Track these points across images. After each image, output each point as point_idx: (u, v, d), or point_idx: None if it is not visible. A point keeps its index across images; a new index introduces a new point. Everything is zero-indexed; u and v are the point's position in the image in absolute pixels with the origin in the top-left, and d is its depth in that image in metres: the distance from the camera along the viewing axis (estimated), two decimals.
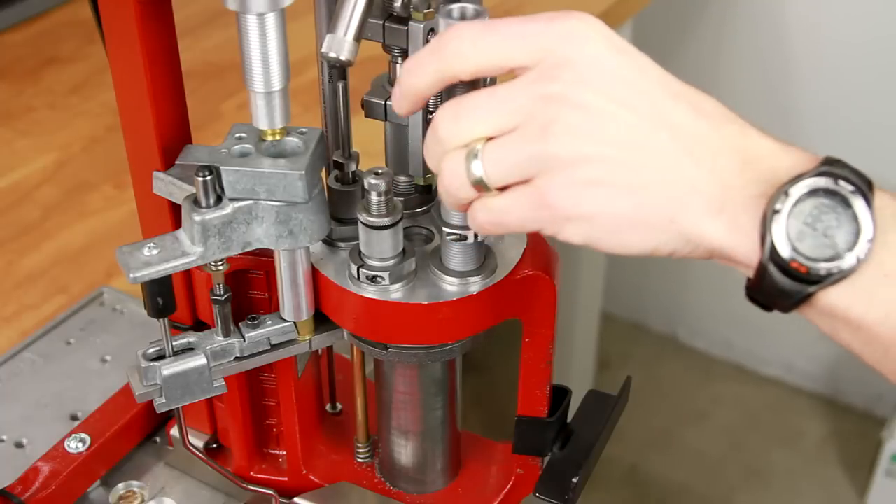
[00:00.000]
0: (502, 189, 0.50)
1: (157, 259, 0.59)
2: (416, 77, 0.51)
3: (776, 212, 0.46)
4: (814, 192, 0.46)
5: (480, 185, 0.50)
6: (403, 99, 0.53)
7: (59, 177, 1.13)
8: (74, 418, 0.83)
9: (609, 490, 2.01)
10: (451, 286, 0.61)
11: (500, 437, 0.76)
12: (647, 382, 2.21)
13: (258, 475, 0.75)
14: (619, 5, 1.43)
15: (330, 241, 0.64)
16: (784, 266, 0.47)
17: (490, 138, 0.50)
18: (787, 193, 0.46)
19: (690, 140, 0.48)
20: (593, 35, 0.49)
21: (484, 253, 0.61)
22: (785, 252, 0.46)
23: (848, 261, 0.46)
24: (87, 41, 1.34)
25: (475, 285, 0.61)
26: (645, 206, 0.48)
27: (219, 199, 0.59)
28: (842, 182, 0.46)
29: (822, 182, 0.46)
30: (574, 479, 0.66)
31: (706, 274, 2.14)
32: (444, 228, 0.59)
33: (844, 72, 1.86)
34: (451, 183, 0.51)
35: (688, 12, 1.97)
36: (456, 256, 0.61)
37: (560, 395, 0.69)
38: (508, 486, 0.72)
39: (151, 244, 0.59)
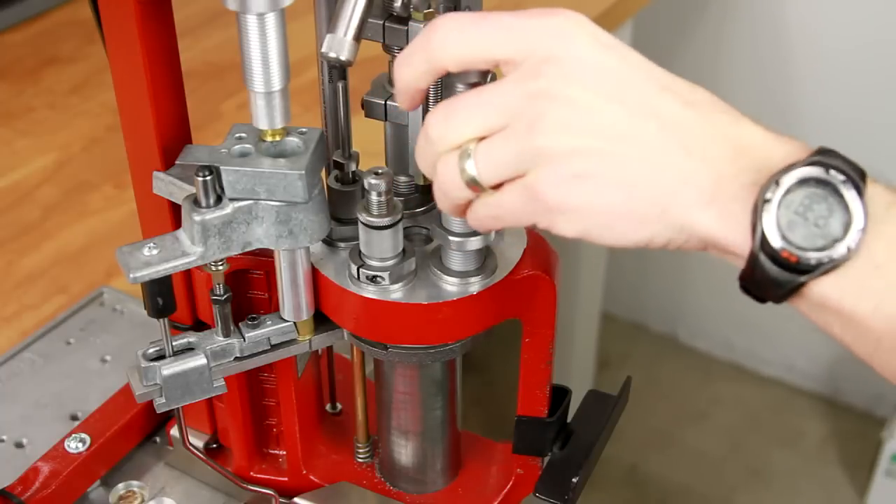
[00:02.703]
0: (497, 187, 0.51)
1: (157, 259, 0.59)
2: (406, 69, 0.52)
3: (766, 201, 0.46)
4: (804, 182, 0.46)
5: (475, 185, 0.51)
6: (400, 93, 0.54)
7: (59, 177, 1.13)
8: (74, 418, 0.83)
9: (609, 490, 2.01)
10: (451, 286, 0.61)
11: (500, 437, 0.76)
12: (647, 382, 2.21)
13: (258, 475, 0.75)
14: (619, 5, 1.43)
15: (330, 241, 0.64)
16: (775, 255, 0.47)
17: (482, 138, 0.50)
18: (777, 183, 0.46)
19: (680, 130, 0.48)
20: (579, 32, 0.49)
21: (484, 253, 0.62)
22: (775, 241, 0.46)
23: (838, 250, 0.46)
24: (87, 41, 1.34)
25: (475, 285, 0.61)
26: (635, 198, 0.48)
27: (219, 199, 0.59)
28: (833, 172, 0.46)
29: (814, 171, 0.46)
30: (574, 479, 0.66)
31: (706, 274, 2.14)
32: (445, 235, 0.60)
33: (843, 72, 1.86)
34: (447, 185, 0.52)
35: (688, 12, 1.97)
36: (456, 257, 0.61)
37: (560, 395, 0.69)
38: (508, 486, 0.72)
39: (151, 244, 0.59)
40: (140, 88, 0.62)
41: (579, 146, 0.48)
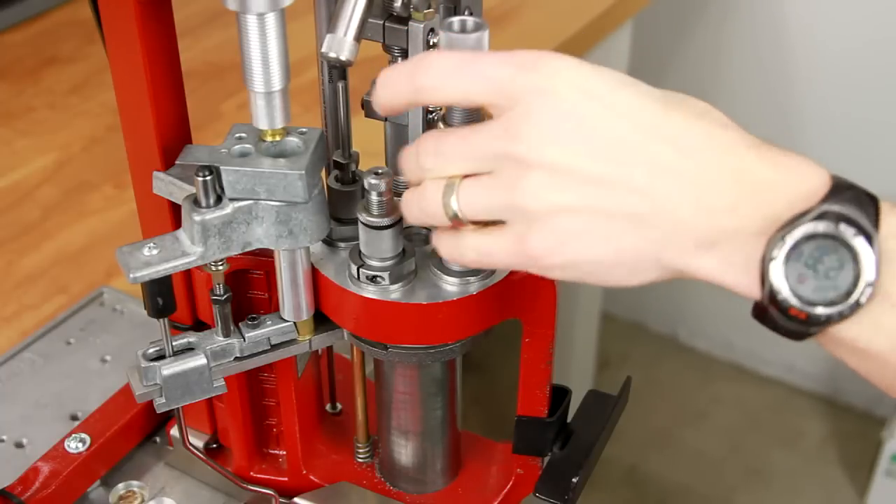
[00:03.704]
0: (479, 224, 0.51)
1: (157, 259, 0.59)
2: (389, 92, 0.52)
3: (772, 259, 0.45)
4: (812, 237, 0.45)
5: (456, 220, 0.51)
6: (378, 105, 0.53)
7: (59, 177, 1.13)
8: (74, 418, 0.83)
9: (609, 490, 2.01)
10: (450, 286, 0.61)
11: (500, 437, 0.76)
12: (647, 382, 2.21)
13: (258, 475, 0.75)
14: (619, 5, 1.42)
15: (330, 241, 0.64)
16: (784, 311, 0.46)
17: (467, 177, 0.50)
18: (783, 240, 0.45)
19: (672, 180, 0.47)
20: (562, 83, 0.48)
21: None
22: (784, 297, 0.46)
23: (847, 304, 0.45)
24: (87, 41, 1.34)
25: (475, 285, 0.61)
26: (625, 250, 0.48)
27: (219, 199, 0.59)
28: (842, 226, 0.45)
29: (821, 227, 0.45)
30: (574, 479, 0.66)
31: None
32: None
33: (843, 72, 1.86)
34: (428, 210, 0.52)
35: (688, 13, 1.97)
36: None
37: (560, 395, 0.69)
38: (508, 486, 0.72)
39: (151, 244, 0.59)
40: (140, 88, 0.62)
41: (562, 204, 0.48)
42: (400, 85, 0.51)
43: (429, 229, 0.65)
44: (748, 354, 2.24)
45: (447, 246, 0.54)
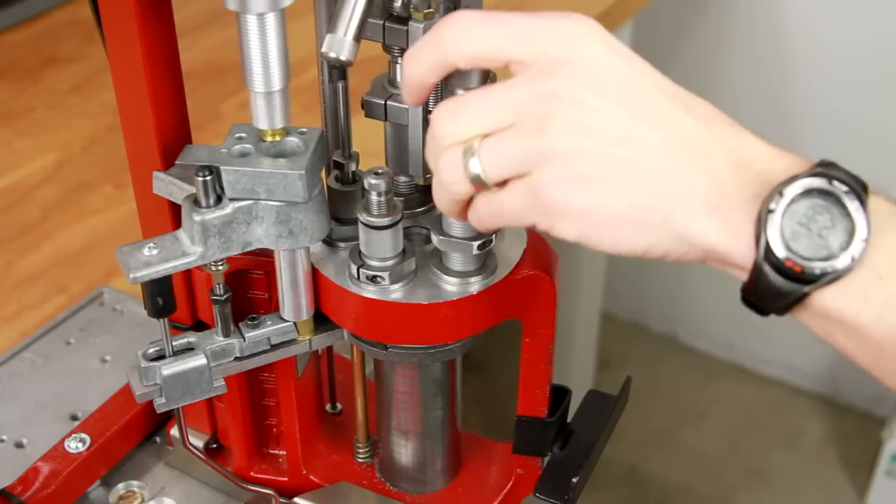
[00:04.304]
0: (499, 185, 0.51)
1: (157, 259, 0.59)
2: (416, 64, 0.52)
3: (770, 212, 0.46)
4: (808, 193, 0.47)
5: (478, 182, 0.51)
6: (407, 88, 0.53)
7: (59, 177, 1.13)
8: (74, 418, 0.83)
9: (609, 490, 2.01)
10: (451, 286, 0.61)
11: (500, 437, 0.76)
12: (647, 382, 2.21)
13: (258, 475, 0.75)
14: (619, 5, 1.43)
15: (330, 241, 0.64)
16: (779, 265, 0.47)
17: (487, 136, 0.50)
18: (781, 193, 0.46)
19: (686, 141, 0.48)
20: (591, 36, 0.49)
21: (484, 253, 0.61)
22: (780, 251, 0.46)
23: (843, 260, 0.46)
24: (87, 41, 1.34)
25: (475, 285, 0.61)
26: (639, 204, 0.48)
27: (219, 199, 0.59)
28: (836, 183, 0.47)
29: (817, 182, 0.47)
30: (574, 479, 0.66)
31: (706, 274, 2.14)
32: (441, 238, 0.60)
33: (843, 73, 1.86)
34: (449, 179, 0.51)
35: (688, 12, 1.97)
36: (456, 257, 0.61)
37: (560, 395, 0.69)
38: (508, 486, 0.72)
39: (151, 244, 0.59)
40: (140, 88, 0.62)
41: (586, 148, 0.48)
42: (425, 50, 0.51)
43: (429, 229, 0.65)
44: (748, 354, 2.24)
45: (464, 214, 0.53)
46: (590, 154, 0.48)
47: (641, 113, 0.48)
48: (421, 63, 0.52)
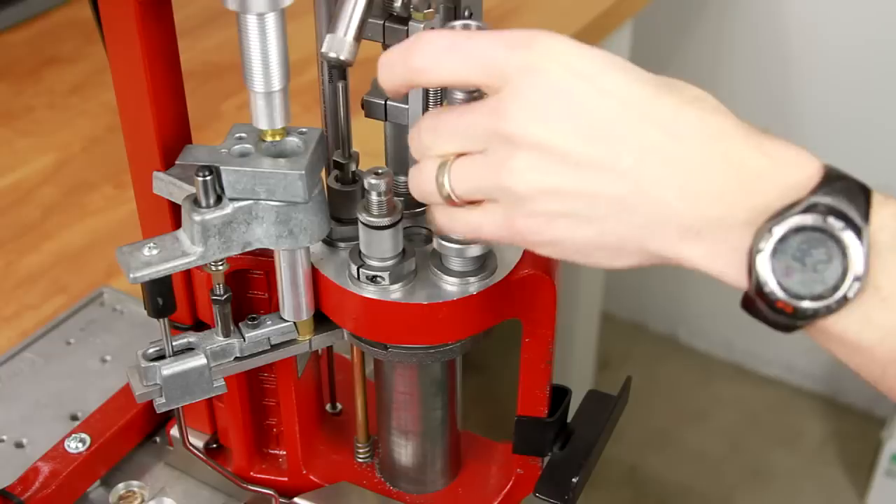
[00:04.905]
0: (473, 203, 0.52)
1: (157, 259, 0.59)
2: (388, 74, 0.52)
3: (759, 251, 0.45)
4: (800, 230, 0.45)
5: (450, 199, 0.52)
6: (381, 86, 0.54)
7: (59, 177, 1.13)
8: (74, 418, 0.83)
9: (609, 490, 2.01)
10: (450, 286, 0.61)
11: (500, 437, 0.76)
12: (647, 382, 2.21)
13: (258, 475, 0.75)
14: (619, 5, 1.42)
15: (330, 241, 0.64)
16: (771, 304, 0.46)
17: (460, 155, 0.51)
18: (770, 232, 0.45)
19: (658, 164, 0.46)
20: (552, 62, 0.47)
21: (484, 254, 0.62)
22: (771, 290, 0.45)
23: (834, 299, 0.45)
24: (87, 41, 1.34)
25: (475, 285, 0.61)
26: (608, 234, 0.48)
27: (219, 199, 0.59)
28: (831, 220, 0.45)
29: (809, 220, 0.45)
30: (574, 479, 0.66)
31: (707, 274, 2.14)
32: (442, 241, 0.60)
33: (843, 72, 1.86)
34: (423, 187, 0.53)
35: (688, 12, 1.97)
36: (456, 257, 0.61)
37: (560, 395, 0.69)
38: (508, 486, 0.72)
39: (151, 244, 0.59)
40: (140, 88, 0.62)
41: (547, 187, 0.48)
42: (396, 67, 0.52)
43: (429, 229, 0.65)
44: (748, 354, 2.24)
45: (440, 218, 0.54)
46: (551, 192, 0.48)
47: (605, 140, 0.47)
48: (392, 76, 0.52)
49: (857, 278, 0.45)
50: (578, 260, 0.50)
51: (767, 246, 0.45)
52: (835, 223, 0.45)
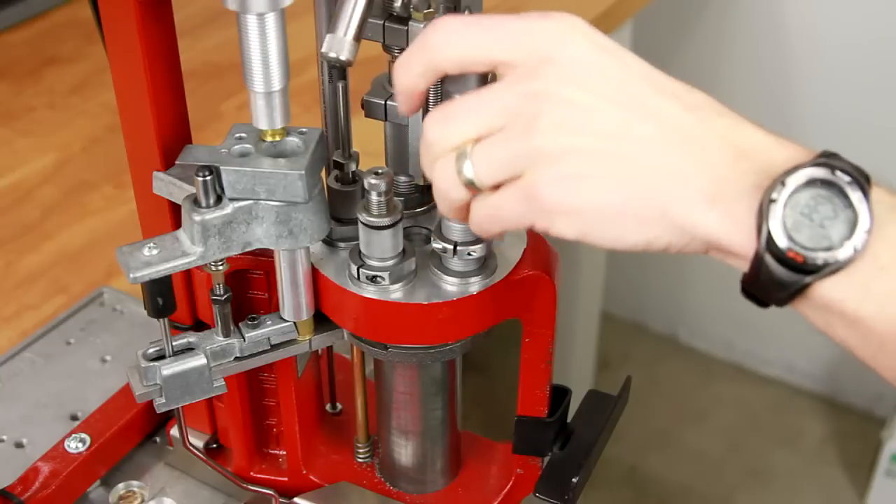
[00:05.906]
0: (495, 188, 0.51)
1: (157, 259, 0.59)
2: (405, 72, 0.52)
3: (772, 201, 0.46)
4: (811, 183, 0.46)
5: (472, 186, 0.51)
6: (400, 96, 0.54)
7: (59, 177, 1.13)
8: (74, 418, 0.83)
9: (609, 490, 2.01)
10: (451, 286, 0.61)
11: (500, 437, 0.76)
12: (647, 382, 2.21)
13: (258, 475, 0.75)
14: (619, 5, 1.42)
15: (330, 241, 0.64)
16: (781, 256, 0.46)
17: (479, 140, 0.50)
18: (783, 183, 0.46)
19: (678, 132, 0.48)
20: (576, 35, 0.49)
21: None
22: (781, 242, 0.46)
23: (845, 251, 0.46)
24: (87, 41, 1.34)
25: (475, 285, 0.61)
26: (634, 199, 0.48)
27: (219, 199, 0.59)
28: (839, 173, 0.46)
29: (820, 172, 0.46)
30: (574, 479, 0.66)
31: (707, 274, 2.14)
32: (441, 244, 0.60)
33: (843, 72, 1.86)
34: (444, 186, 0.52)
35: (688, 12, 1.97)
36: (456, 257, 0.61)
37: (560, 395, 0.69)
38: (508, 486, 0.72)
39: (151, 244, 0.59)
40: (140, 88, 0.62)
41: (576, 146, 0.48)
42: (413, 58, 0.52)
43: (429, 229, 0.65)
44: (748, 354, 2.24)
45: (457, 214, 0.54)
46: (580, 151, 0.48)
47: (630, 106, 0.48)
48: (410, 70, 0.52)
49: (866, 231, 0.46)
50: (599, 235, 0.50)
51: (781, 197, 0.46)
52: (843, 176, 0.46)
